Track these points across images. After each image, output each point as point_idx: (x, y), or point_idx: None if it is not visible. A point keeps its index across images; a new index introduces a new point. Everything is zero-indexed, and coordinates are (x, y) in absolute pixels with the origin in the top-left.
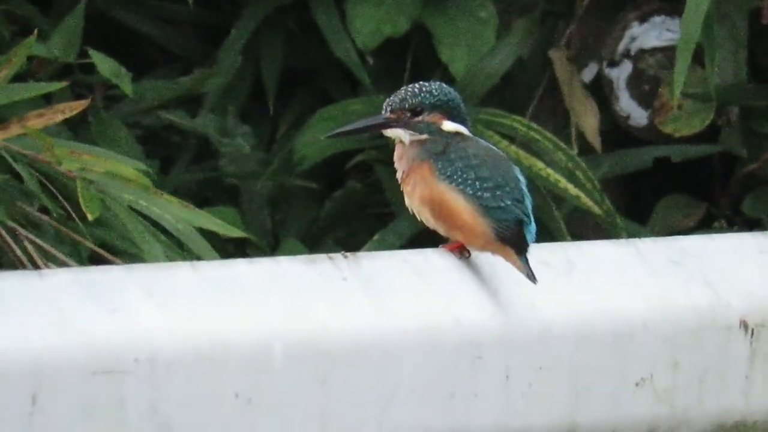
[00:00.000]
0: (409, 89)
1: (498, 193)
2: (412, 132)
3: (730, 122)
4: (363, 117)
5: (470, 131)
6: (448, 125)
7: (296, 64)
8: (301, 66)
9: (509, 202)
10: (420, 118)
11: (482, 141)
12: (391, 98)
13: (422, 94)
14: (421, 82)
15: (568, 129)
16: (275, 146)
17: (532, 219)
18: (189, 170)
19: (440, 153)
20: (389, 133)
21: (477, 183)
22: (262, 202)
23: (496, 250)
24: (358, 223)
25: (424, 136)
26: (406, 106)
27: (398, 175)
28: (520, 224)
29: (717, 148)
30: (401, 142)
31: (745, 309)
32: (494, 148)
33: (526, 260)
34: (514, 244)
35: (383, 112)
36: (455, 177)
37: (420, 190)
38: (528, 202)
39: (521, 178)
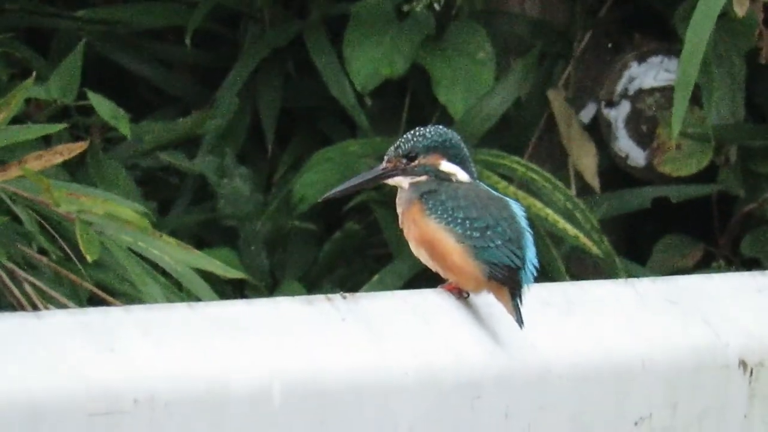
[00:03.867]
0: (405, 137)
1: (488, 233)
2: (411, 177)
3: (728, 162)
4: (361, 160)
5: (471, 172)
6: (446, 166)
7: (294, 106)
8: (299, 108)
9: (500, 242)
10: (416, 162)
11: (481, 184)
12: (389, 149)
13: (414, 139)
14: (417, 128)
15: (566, 169)
16: (273, 188)
17: (530, 259)
18: (187, 212)
19: (430, 192)
20: (390, 182)
21: (467, 222)
22: (260, 243)
23: (489, 289)
24: (357, 264)
25: (423, 178)
26: (400, 152)
27: (400, 220)
28: (513, 265)
29: (715, 188)
30: (401, 188)
31: (744, 349)
32: (491, 190)
33: (518, 303)
34: (507, 284)
35: (383, 163)
36: (445, 216)
37: (413, 231)
38: (527, 241)
39: (520, 213)
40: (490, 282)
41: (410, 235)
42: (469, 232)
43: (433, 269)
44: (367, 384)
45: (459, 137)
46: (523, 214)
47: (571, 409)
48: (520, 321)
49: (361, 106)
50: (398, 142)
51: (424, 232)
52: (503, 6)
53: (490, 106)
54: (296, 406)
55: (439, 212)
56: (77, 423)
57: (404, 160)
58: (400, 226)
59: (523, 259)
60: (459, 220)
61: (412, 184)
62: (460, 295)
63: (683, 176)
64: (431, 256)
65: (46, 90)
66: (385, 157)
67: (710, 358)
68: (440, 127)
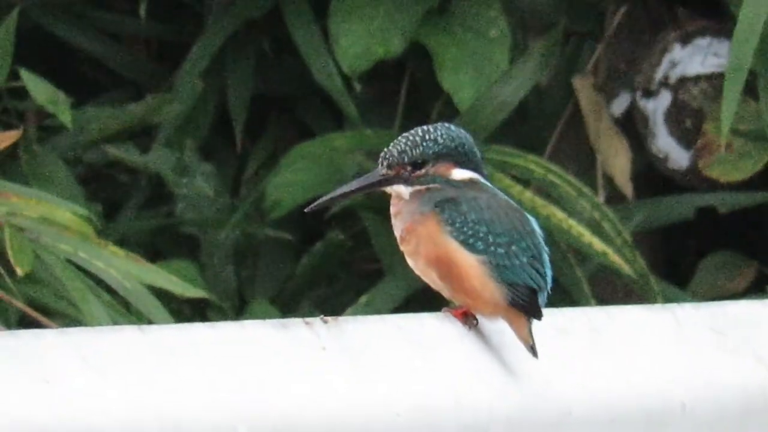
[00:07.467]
0: (410, 138)
1: (513, 248)
2: (415, 187)
3: None
4: (349, 156)
5: (485, 177)
6: (459, 174)
7: (269, 91)
8: (275, 93)
9: (525, 259)
10: (423, 171)
11: (499, 192)
12: (388, 150)
13: (425, 143)
14: (423, 128)
15: (593, 172)
16: (242, 189)
17: (549, 280)
18: (139, 216)
19: (448, 201)
20: (388, 190)
21: (490, 237)
22: (226, 255)
23: (505, 315)
24: (342, 281)
25: (435, 186)
26: (406, 159)
27: (397, 234)
28: (536, 287)
29: None
30: (398, 197)
31: None
32: (509, 199)
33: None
34: (527, 309)
35: (379, 166)
36: (465, 230)
37: (425, 249)
38: (546, 259)
39: (538, 230)
40: (508, 307)
41: (420, 252)
42: (492, 248)
43: (440, 291)
44: (351, 427)
45: (471, 139)
46: (540, 230)
47: None
48: (533, 350)
49: (349, 93)
50: (403, 146)
51: (440, 249)
52: None
53: (503, 94)
54: None
55: (458, 225)
56: None
57: (409, 168)
58: (401, 243)
59: (546, 280)
60: (481, 234)
61: (416, 193)
62: (468, 321)
63: (734, 182)
64: (444, 276)
65: None
66: (384, 161)
67: (764, 400)
68: (452, 127)
